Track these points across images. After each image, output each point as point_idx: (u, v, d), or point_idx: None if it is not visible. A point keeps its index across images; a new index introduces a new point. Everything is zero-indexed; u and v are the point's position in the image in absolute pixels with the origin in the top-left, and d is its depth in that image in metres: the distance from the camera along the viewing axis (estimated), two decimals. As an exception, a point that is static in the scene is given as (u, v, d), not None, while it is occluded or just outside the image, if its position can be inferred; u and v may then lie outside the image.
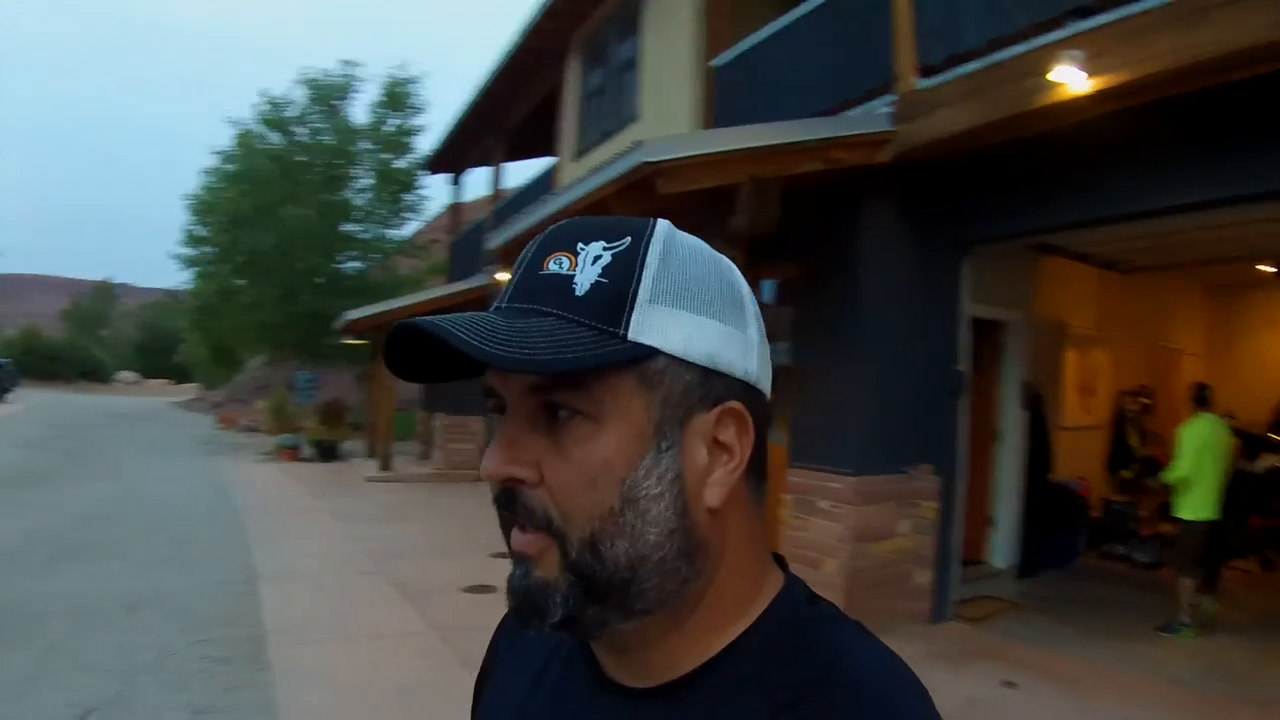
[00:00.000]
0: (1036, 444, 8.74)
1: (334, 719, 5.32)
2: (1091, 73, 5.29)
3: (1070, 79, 5.37)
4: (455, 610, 7.55)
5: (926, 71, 6.57)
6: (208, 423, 34.01)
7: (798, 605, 0.82)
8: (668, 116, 10.10)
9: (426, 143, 23.87)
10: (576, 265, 0.76)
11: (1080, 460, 9.88)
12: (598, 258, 0.76)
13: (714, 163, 5.99)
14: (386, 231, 25.90)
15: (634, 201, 6.17)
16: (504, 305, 0.78)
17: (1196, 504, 7.17)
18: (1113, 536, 9.35)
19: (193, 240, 25.29)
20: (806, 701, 0.74)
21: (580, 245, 0.77)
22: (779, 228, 6.19)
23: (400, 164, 25.19)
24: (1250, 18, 4.76)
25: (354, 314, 17.69)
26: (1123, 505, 9.39)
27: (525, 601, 0.77)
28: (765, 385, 0.82)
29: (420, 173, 24.95)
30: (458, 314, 0.74)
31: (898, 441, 6.93)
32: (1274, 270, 10.73)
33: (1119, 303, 10.66)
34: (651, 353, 0.74)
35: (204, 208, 24.46)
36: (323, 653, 6.36)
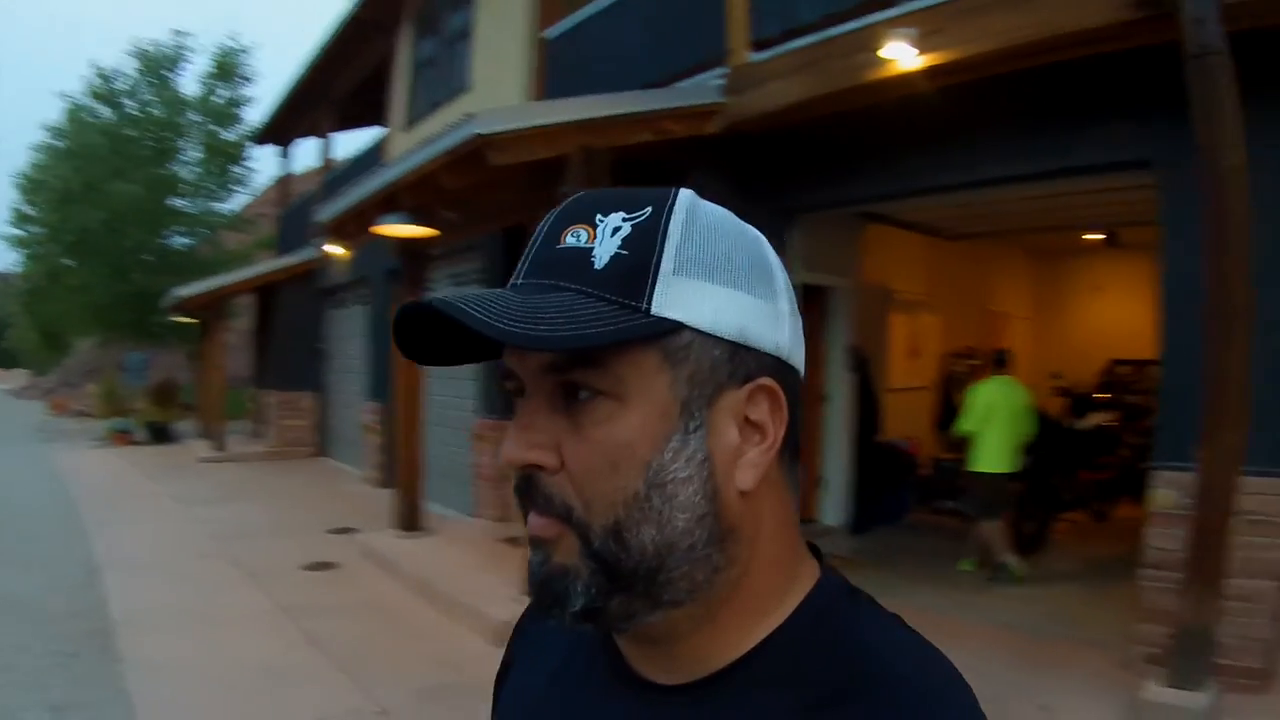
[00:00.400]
0: (865, 406, 9.00)
1: (189, 707, 5.25)
2: (923, 50, 5.48)
3: (901, 55, 5.54)
4: (299, 589, 7.48)
5: (759, 45, 6.68)
6: (39, 409, 32.85)
7: (836, 598, 0.79)
8: (499, 87, 10.02)
9: (256, 114, 23.27)
10: (595, 237, 0.72)
11: (909, 420, 10.25)
12: (617, 229, 0.72)
13: (546, 134, 5.98)
14: (215, 205, 25.08)
15: (465, 173, 6.16)
16: (520, 281, 0.75)
17: (988, 458, 7.69)
18: (942, 492, 9.68)
19: (21, 220, 24.24)
20: (843, 702, 0.70)
21: (599, 216, 0.73)
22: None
23: (229, 136, 24.31)
24: (1079, 2, 5.00)
25: (183, 291, 17.24)
26: (951, 462, 9.72)
27: (544, 589, 0.74)
28: (797, 360, 0.78)
29: (249, 144, 24.18)
30: (472, 291, 0.71)
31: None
32: (1099, 238, 11.26)
33: (945, 268, 11.03)
34: (676, 327, 0.70)
35: (32, 186, 23.44)
36: (172, 640, 6.27)
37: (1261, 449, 4.95)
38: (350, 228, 9.02)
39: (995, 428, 7.73)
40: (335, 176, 15.91)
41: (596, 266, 0.70)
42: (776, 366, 0.75)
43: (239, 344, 22.20)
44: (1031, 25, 5.21)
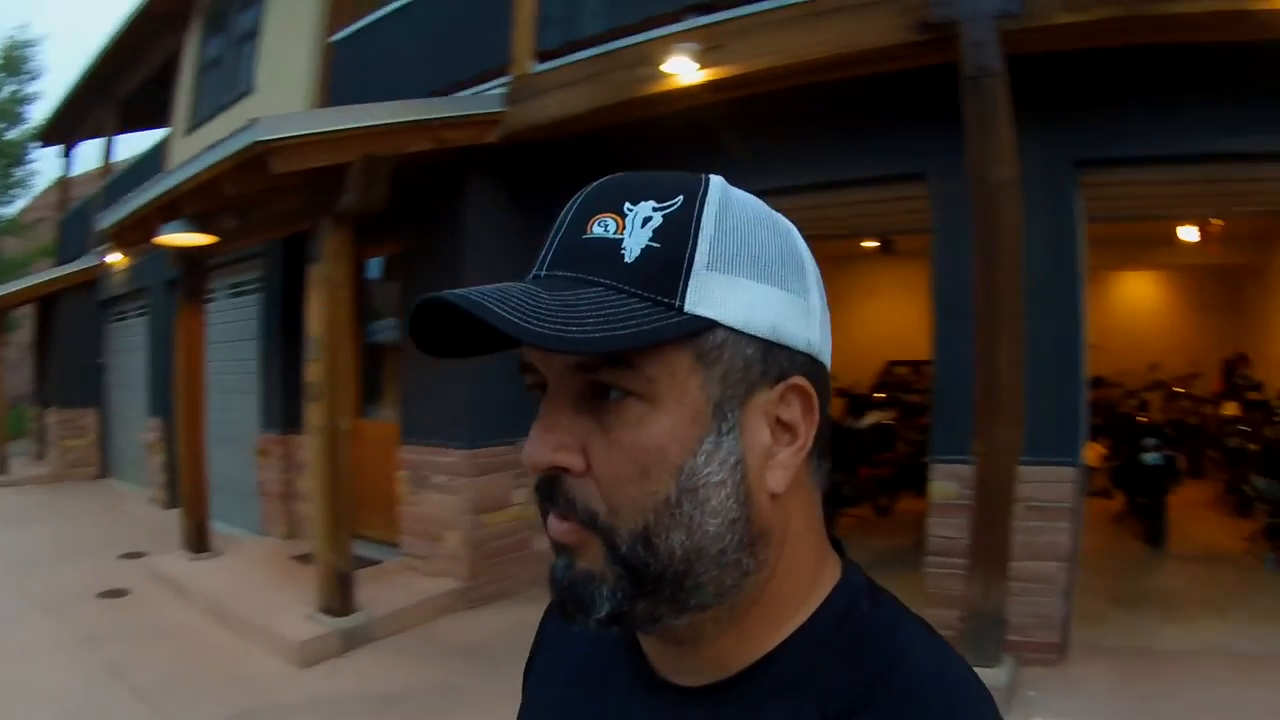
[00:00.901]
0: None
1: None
2: (705, 64, 5.58)
3: (682, 69, 5.62)
4: (93, 618, 7.10)
5: (543, 56, 6.70)
6: None
7: (857, 599, 0.77)
8: (284, 91, 9.67)
9: (41, 111, 21.57)
10: (624, 228, 0.69)
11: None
12: (647, 219, 0.69)
13: (329, 141, 5.85)
14: (-7, 209, 22.89)
15: (247, 180, 5.96)
16: (544, 272, 0.71)
17: None
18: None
19: None
20: (863, 709, 0.69)
21: (628, 205, 0.70)
22: (389, 204, 6.14)
23: (12, 134, 22.53)
24: (861, 23, 5.23)
25: (-42, 303, 15.73)
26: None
27: (569, 594, 0.71)
28: (826, 356, 0.76)
29: (32, 144, 22.36)
30: (494, 285, 0.67)
31: (506, 414, 7.00)
32: (874, 245, 11.85)
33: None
34: (709, 325, 0.68)
35: None
36: (-34, 678, 5.82)
37: (1036, 440, 5.29)
38: (131, 235, 8.62)
39: None
40: (116, 180, 15.08)
41: (627, 260, 0.68)
42: (808, 364, 0.74)
43: (19, 359, 20.64)
44: (815, 44, 5.42)
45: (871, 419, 10.32)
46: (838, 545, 0.82)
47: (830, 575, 0.78)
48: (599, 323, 0.64)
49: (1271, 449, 8.16)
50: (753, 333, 0.69)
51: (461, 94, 7.19)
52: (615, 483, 0.68)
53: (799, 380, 0.72)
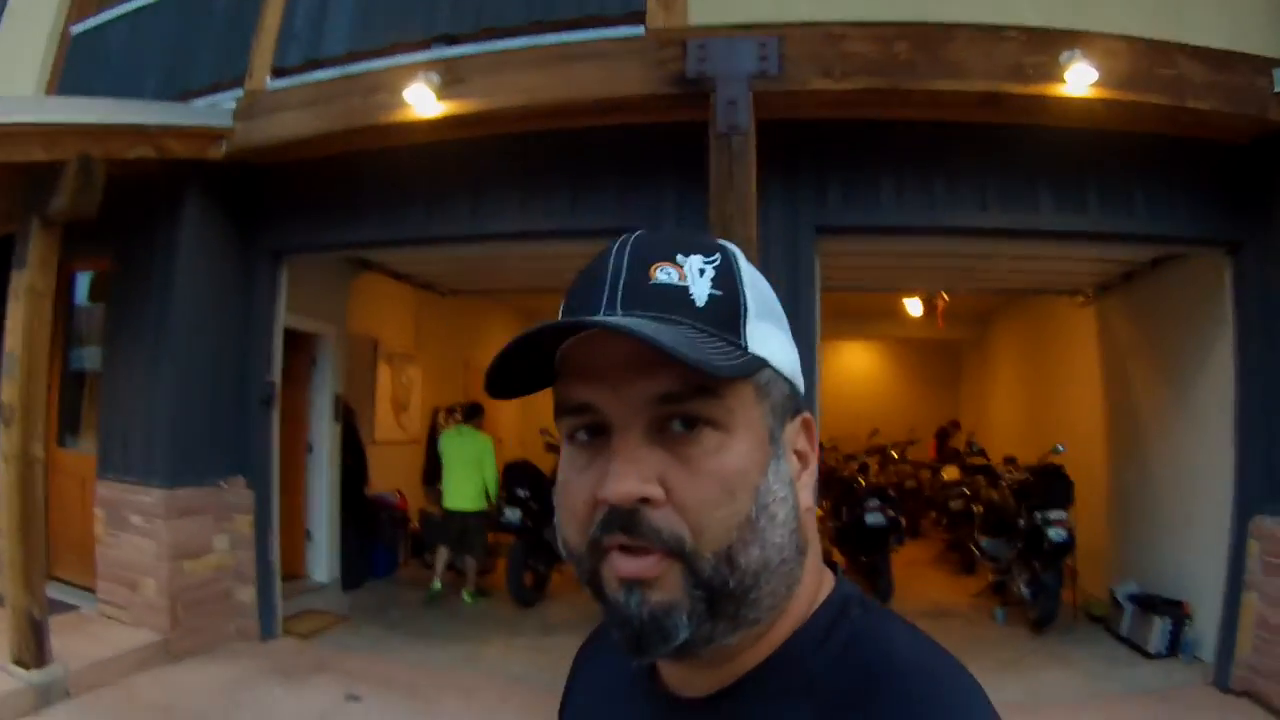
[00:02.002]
0: (351, 458, 8.72)
1: None
2: (444, 97, 5.40)
3: (421, 100, 5.43)
4: None
5: (280, 73, 6.30)
6: None
7: (848, 605, 0.81)
8: (15, 79, 8.62)
9: None
10: (685, 276, 0.75)
11: (396, 473, 10.01)
12: (702, 270, 0.76)
13: (44, 134, 5.25)
14: None
15: None
16: (620, 311, 0.74)
17: (454, 498, 8.59)
18: (430, 546, 9.63)
19: None
20: (857, 708, 0.71)
21: (680, 256, 0.76)
22: (101, 214, 5.56)
23: None
24: (614, 71, 5.19)
25: None
26: (439, 517, 9.70)
27: (649, 628, 0.72)
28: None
29: None
30: (609, 319, 0.72)
31: (209, 453, 6.53)
32: None
33: (435, 322, 10.99)
34: (764, 364, 0.76)
35: None
36: None
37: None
38: None
39: (461, 472, 8.61)
40: None
41: (698, 304, 0.74)
42: (800, 399, 0.83)
43: None
44: (562, 87, 5.34)
45: None
46: (832, 565, 0.88)
47: (826, 585, 0.84)
48: (715, 355, 0.71)
49: (994, 510, 8.60)
50: (785, 373, 0.80)
51: (193, 103, 6.64)
52: (703, 508, 0.72)
53: (808, 415, 0.84)
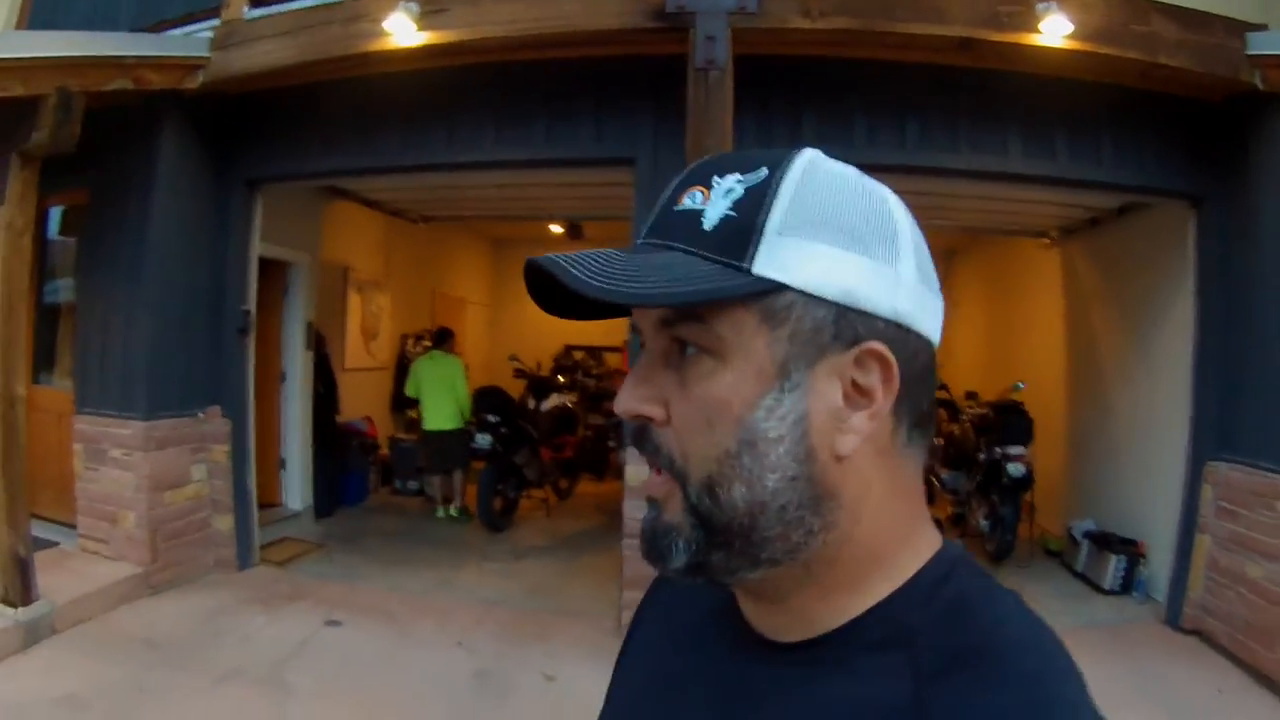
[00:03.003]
0: (323, 385, 8.76)
1: None
2: (425, 27, 5.36)
3: (400, 30, 5.38)
4: None
5: (258, 2, 6.20)
6: None
7: (955, 568, 0.77)
8: None
9: None
10: (709, 198, 0.73)
11: (365, 401, 10.07)
12: (730, 190, 0.73)
13: (23, 69, 5.16)
14: None
15: None
16: (639, 242, 0.76)
17: (433, 419, 8.88)
18: (402, 473, 9.72)
19: None
20: (955, 672, 0.68)
21: (715, 179, 0.74)
22: (76, 148, 5.50)
23: None
24: (593, 4, 5.16)
25: None
26: (409, 444, 9.76)
27: (651, 544, 0.76)
28: (924, 326, 0.76)
29: None
30: (583, 251, 0.72)
31: (186, 383, 6.53)
32: (560, 230, 11.90)
33: (405, 250, 11.00)
34: (777, 287, 0.70)
35: None
36: None
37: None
38: None
39: (436, 395, 8.90)
40: None
41: (705, 227, 0.72)
42: (893, 332, 0.73)
43: None
44: (542, 18, 5.30)
45: (553, 402, 10.39)
46: (940, 526, 0.83)
47: (928, 546, 0.78)
48: (659, 281, 0.69)
49: (954, 444, 8.76)
50: (824, 296, 0.71)
51: (169, 33, 6.51)
52: (687, 433, 0.73)
53: (876, 345, 0.72)
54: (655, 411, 0.74)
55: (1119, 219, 7.28)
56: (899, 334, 0.73)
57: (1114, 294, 7.50)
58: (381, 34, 5.48)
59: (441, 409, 8.89)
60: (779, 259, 0.70)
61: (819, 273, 0.70)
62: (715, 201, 0.72)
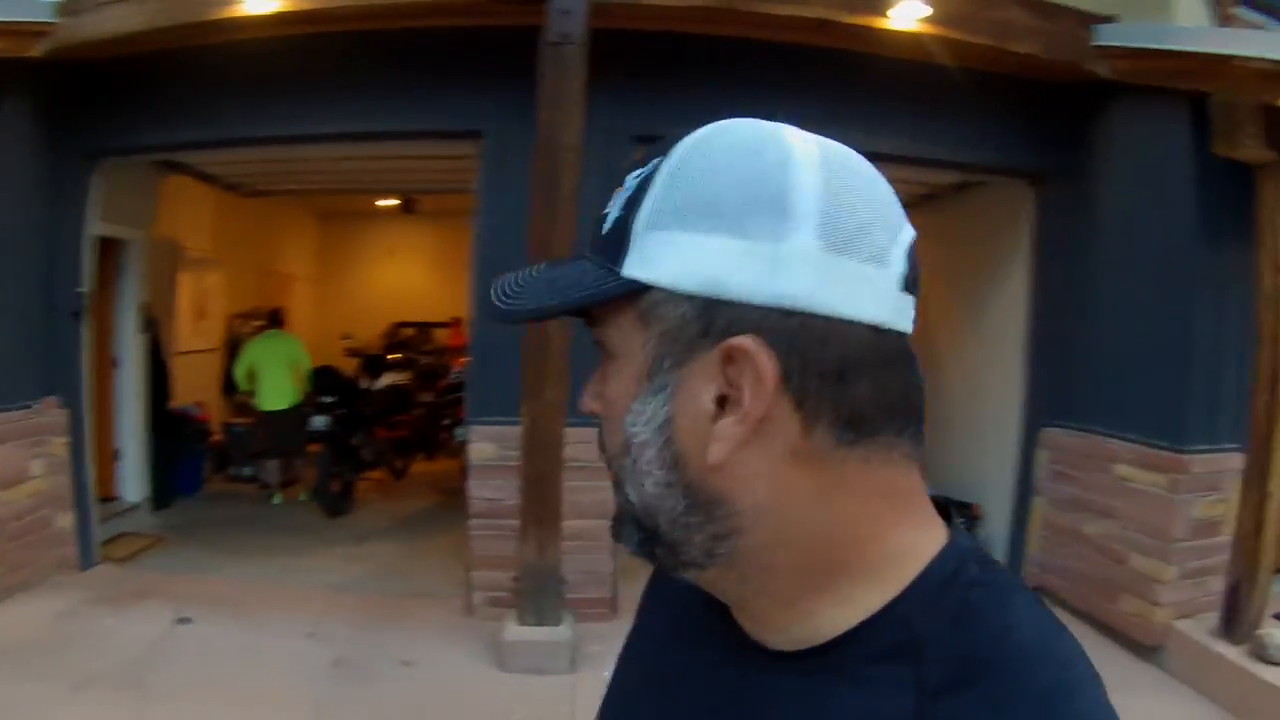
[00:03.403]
0: (155, 370, 8.40)
1: None
2: (277, -6, 5.18)
3: (249, -4, 5.19)
4: None
5: (108, -35, 5.85)
6: None
7: (964, 564, 0.71)
8: None
9: None
10: (614, 200, 0.72)
11: (197, 385, 9.71)
12: (627, 188, 0.70)
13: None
14: None
15: None
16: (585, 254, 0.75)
17: (268, 399, 8.65)
18: (236, 459, 9.39)
19: None
20: (960, 689, 0.63)
21: (627, 179, 0.71)
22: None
23: None
24: None
25: None
26: (242, 428, 9.44)
27: (612, 521, 0.75)
28: (838, 305, 0.64)
29: None
30: (523, 270, 0.76)
31: (19, 372, 6.11)
32: (393, 204, 11.65)
33: (236, 225, 10.66)
34: (642, 286, 0.67)
35: None
36: None
37: (574, 401, 5.49)
38: None
39: (275, 374, 8.68)
40: None
41: (602, 231, 0.71)
42: (777, 320, 0.64)
43: None
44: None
45: (387, 380, 10.29)
46: (945, 513, 0.76)
47: (929, 543, 0.71)
48: (540, 294, 0.72)
49: None
50: (685, 290, 0.65)
51: None
52: (606, 430, 0.73)
53: (738, 341, 0.63)
54: (597, 407, 0.75)
55: (957, 195, 7.57)
56: (790, 321, 0.64)
57: (948, 267, 7.75)
58: (233, 0, 5.25)
59: (280, 388, 8.68)
60: (645, 255, 0.66)
61: (680, 264, 0.65)
62: (615, 201, 0.71)
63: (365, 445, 8.73)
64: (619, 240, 0.68)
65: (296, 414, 8.65)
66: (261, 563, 6.80)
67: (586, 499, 5.54)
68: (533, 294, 0.72)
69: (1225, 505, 5.38)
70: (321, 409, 8.33)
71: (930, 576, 0.69)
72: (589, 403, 0.76)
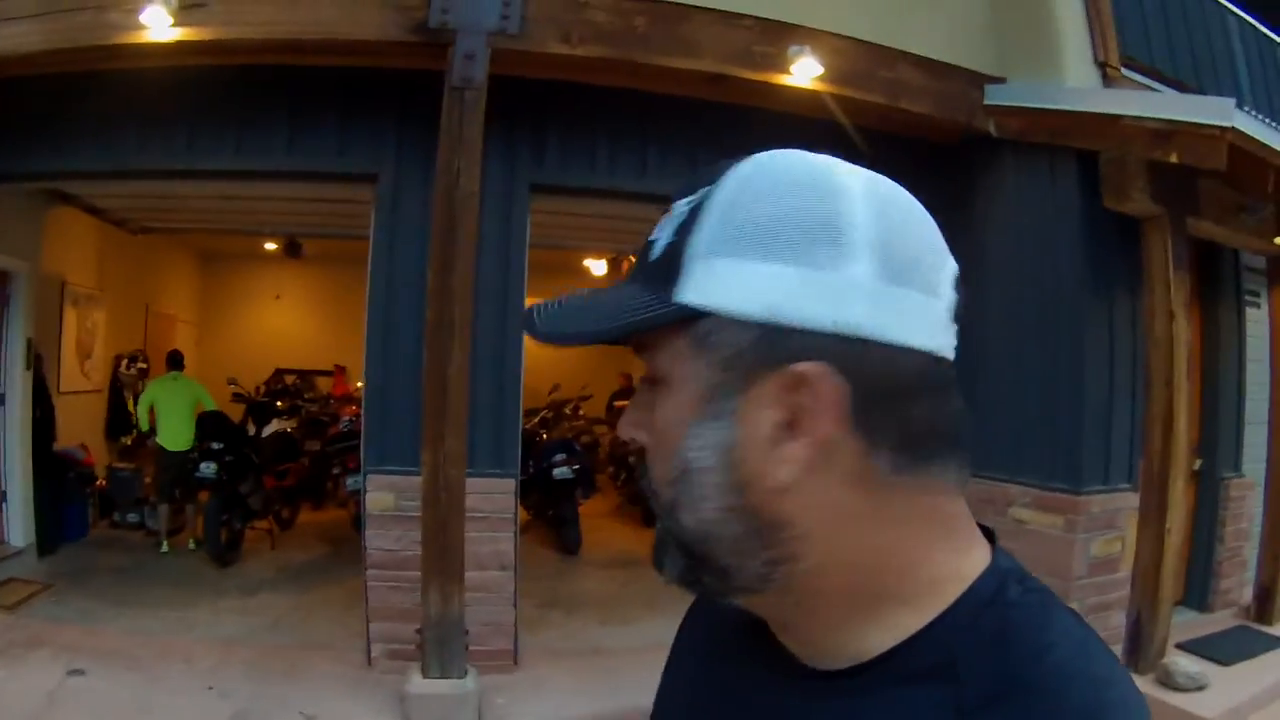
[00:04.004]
0: (40, 409, 8.11)
1: None
2: (181, 22, 5.07)
3: (156, 23, 5.06)
4: None
5: (9, -19, 5.66)
6: None
7: (1004, 587, 0.72)
8: None
9: None
10: (662, 226, 0.73)
11: (81, 426, 9.43)
12: (679, 214, 0.72)
13: None
14: None
15: None
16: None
17: (168, 439, 8.62)
18: (122, 505, 9.07)
19: None
20: (998, 705, 0.64)
21: (677, 204, 0.73)
22: None
23: None
24: (351, 13, 5.13)
25: None
26: (127, 473, 9.14)
27: (654, 551, 0.76)
28: (894, 334, 0.67)
29: None
30: (563, 295, 0.77)
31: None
32: (275, 247, 11.46)
33: (120, 263, 10.45)
34: (698, 313, 0.68)
35: None
36: None
37: (475, 452, 5.45)
38: None
39: (175, 417, 8.66)
40: None
41: (652, 257, 0.73)
42: (838, 346, 0.66)
43: None
44: (300, 23, 5.16)
45: (274, 428, 10.12)
46: (989, 535, 0.78)
47: (972, 566, 0.73)
48: (590, 320, 0.72)
49: None
50: (746, 316, 0.67)
51: None
52: (654, 458, 0.74)
53: (802, 366, 0.65)
54: (640, 436, 0.75)
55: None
56: (850, 348, 0.66)
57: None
58: (135, 26, 5.12)
59: (182, 430, 8.59)
60: (701, 281, 0.68)
61: (739, 291, 0.66)
62: (664, 228, 0.72)
63: (253, 493, 8.49)
64: (671, 266, 0.70)
65: (184, 456, 8.49)
66: (153, 613, 6.58)
67: (487, 549, 5.54)
68: (579, 319, 0.72)
69: (1122, 541, 5.56)
70: (210, 455, 8.08)
71: (971, 598, 0.71)
72: (628, 431, 0.76)
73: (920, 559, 0.71)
